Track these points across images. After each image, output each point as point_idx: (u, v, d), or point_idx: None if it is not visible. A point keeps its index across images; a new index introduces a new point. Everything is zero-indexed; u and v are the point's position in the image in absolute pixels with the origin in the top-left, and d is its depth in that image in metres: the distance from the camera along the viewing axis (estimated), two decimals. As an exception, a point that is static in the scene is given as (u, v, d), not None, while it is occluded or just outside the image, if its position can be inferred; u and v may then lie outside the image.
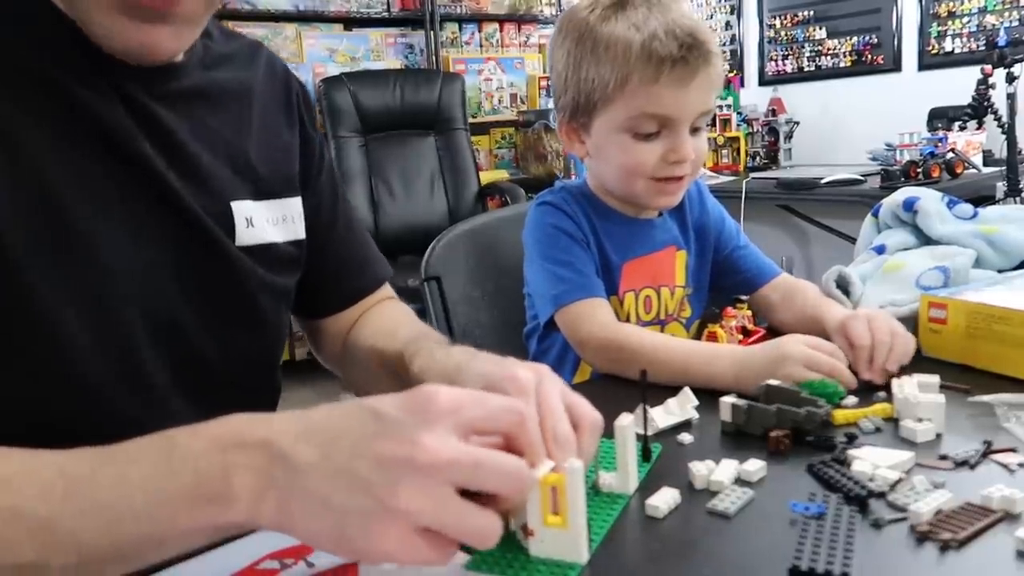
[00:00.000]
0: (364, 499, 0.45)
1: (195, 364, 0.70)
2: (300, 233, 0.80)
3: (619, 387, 0.89)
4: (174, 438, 0.50)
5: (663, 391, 0.78)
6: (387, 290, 0.95)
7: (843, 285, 1.01)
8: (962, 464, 0.63)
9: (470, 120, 3.70)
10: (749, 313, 0.99)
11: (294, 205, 0.79)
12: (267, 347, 0.79)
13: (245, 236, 0.73)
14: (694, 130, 1.00)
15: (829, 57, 3.56)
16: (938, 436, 0.69)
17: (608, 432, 0.60)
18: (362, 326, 0.90)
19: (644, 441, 0.66)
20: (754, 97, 3.71)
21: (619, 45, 0.96)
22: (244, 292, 0.73)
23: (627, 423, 0.61)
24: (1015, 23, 3.08)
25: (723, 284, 1.14)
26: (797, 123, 3.43)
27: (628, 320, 1.06)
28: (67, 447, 0.61)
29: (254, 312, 0.75)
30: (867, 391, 0.79)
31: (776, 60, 3.75)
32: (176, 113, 0.69)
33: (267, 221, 0.76)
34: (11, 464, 0.50)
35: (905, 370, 0.81)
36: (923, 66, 3.33)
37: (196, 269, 0.69)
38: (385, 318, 0.90)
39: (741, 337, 0.97)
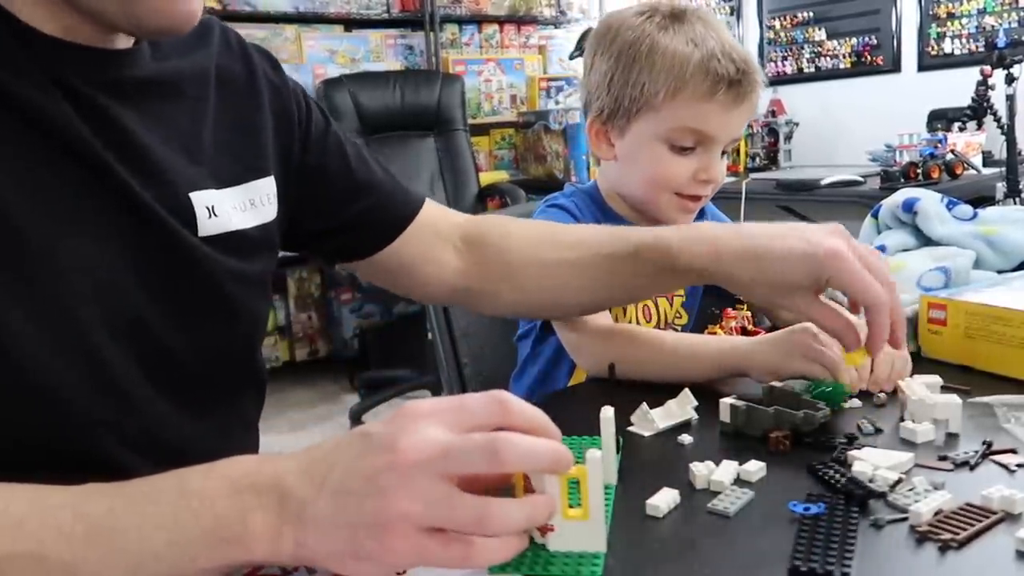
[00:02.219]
0: (365, 513, 0.47)
1: (166, 361, 0.69)
2: (270, 215, 0.77)
3: (611, 388, 0.89)
4: (187, 479, 0.51)
5: (663, 392, 0.78)
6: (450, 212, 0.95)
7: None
8: (962, 465, 0.63)
9: (470, 121, 3.70)
10: (748, 314, 0.99)
11: (263, 187, 0.77)
12: (242, 336, 0.77)
13: (208, 226, 0.71)
14: (721, 153, 1.03)
15: (829, 58, 3.57)
16: (955, 436, 0.69)
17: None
18: (498, 233, 0.90)
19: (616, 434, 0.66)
20: (754, 98, 3.71)
21: (677, 56, 0.97)
22: (211, 283, 0.71)
23: (610, 415, 0.62)
24: (1014, 24, 3.08)
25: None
26: (797, 124, 3.43)
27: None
28: (38, 454, 0.60)
29: (224, 302, 0.73)
30: (869, 393, 0.79)
31: (776, 61, 3.75)
32: (125, 104, 0.66)
33: (233, 208, 0.73)
34: (20, 503, 0.50)
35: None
36: (923, 67, 3.33)
37: (157, 264, 0.67)
38: (526, 227, 0.92)
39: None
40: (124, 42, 0.68)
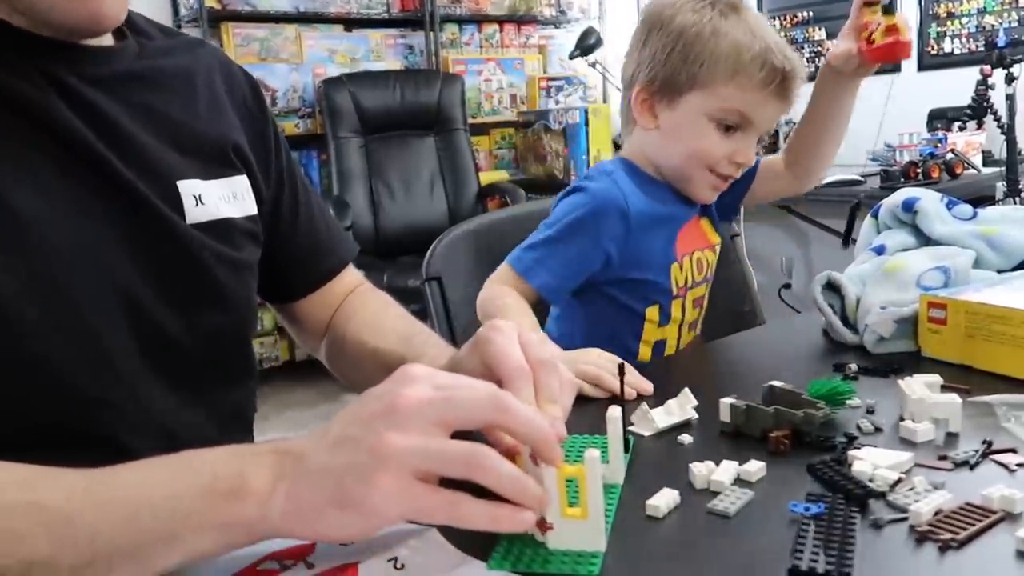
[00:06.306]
0: (357, 455, 0.48)
1: (162, 343, 0.70)
2: (251, 209, 0.80)
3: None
4: (191, 452, 0.53)
5: (663, 391, 0.78)
6: (358, 274, 0.97)
7: (835, 288, 1.01)
8: (962, 464, 0.63)
9: (470, 121, 3.71)
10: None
11: (241, 182, 0.79)
12: (234, 322, 0.79)
13: (195, 214, 0.73)
14: None
15: (829, 58, 3.56)
16: (955, 435, 0.69)
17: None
18: (347, 316, 0.91)
19: (624, 432, 0.67)
20: (754, 98, 3.71)
21: (739, 43, 1.04)
22: (201, 268, 0.73)
23: (617, 414, 0.62)
24: (1014, 24, 3.08)
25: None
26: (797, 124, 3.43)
27: (685, 283, 1.13)
28: (38, 432, 0.62)
29: (214, 287, 0.75)
30: (869, 393, 0.79)
31: (776, 61, 3.75)
32: (112, 97, 0.69)
33: (219, 199, 0.76)
34: (35, 470, 0.51)
35: (907, 370, 0.81)
36: (923, 67, 3.33)
37: (149, 247, 0.69)
38: (369, 311, 0.92)
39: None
40: (107, 41, 0.71)
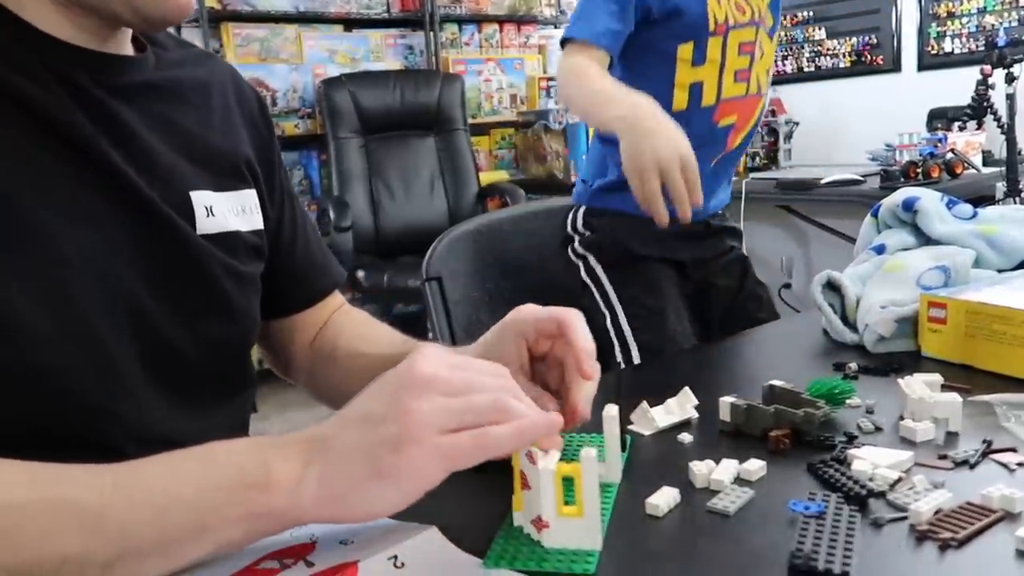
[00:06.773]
0: (385, 428, 0.50)
1: (165, 353, 0.71)
2: (259, 223, 0.81)
3: (612, 386, 0.89)
4: (213, 445, 0.54)
5: (663, 390, 0.78)
6: (341, 296, 0.98)
7: (835, 288, 1.01)
8: (962, 464, 0.63)
9: (470, 121, 3.71)
10: None
11: (251, 196, 0.80)
12: (238, 334, 0.79)
13: (206, 224, 0.73)
14: None
15: (829, 57, 3.57)
16: (955, 435, 0.69)
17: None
18: (336, 332, 0.92)
19: (621, 432, 0.67)
20: (754, 98, 3.70)
21: None
22: (208, 279, 0.74)
23: (613, 413, 0.63)
24: (1014, 23, 3.08)
25: None
26: (797, 123, 3.43)
27: (725, 21, 1.13)
28: (41, 440, 0.62)
29: (221, 298, 0.75)
30: (869, 392, 0.79)
31: (776, 60, 3.75)
32: (130, 105, 0.69)
33: (229, 211, 0.76)
34: (61, 467, 0.51)
35: (907, 370, 0.81)
36: (923, 66, 3.33)
37: (157, 257, 0.69)
38: (359, 324, 0.93)
39: None
40: (128, 50, 0.71)
